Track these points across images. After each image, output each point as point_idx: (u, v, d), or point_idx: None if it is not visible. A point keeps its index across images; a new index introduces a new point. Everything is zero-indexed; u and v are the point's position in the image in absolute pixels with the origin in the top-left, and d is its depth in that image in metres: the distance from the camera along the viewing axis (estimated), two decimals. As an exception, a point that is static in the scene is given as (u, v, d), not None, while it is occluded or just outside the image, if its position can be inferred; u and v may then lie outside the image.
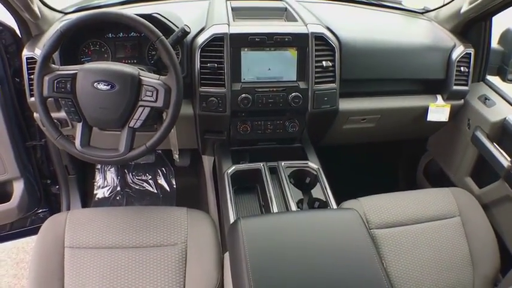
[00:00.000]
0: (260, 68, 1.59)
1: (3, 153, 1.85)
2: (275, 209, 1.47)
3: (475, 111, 1.90)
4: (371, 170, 2.33)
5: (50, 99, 1.37)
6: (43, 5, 1.69)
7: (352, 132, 1.87)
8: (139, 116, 1.33)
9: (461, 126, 2.00)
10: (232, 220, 1.42)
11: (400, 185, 2.46)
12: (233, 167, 1.62)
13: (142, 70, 1.42)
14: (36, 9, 1.58)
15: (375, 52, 1.75)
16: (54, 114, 1.65)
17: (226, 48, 1.54)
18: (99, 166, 2.34)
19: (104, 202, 2.28)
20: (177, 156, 1.62)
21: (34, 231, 2.14)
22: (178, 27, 1.57)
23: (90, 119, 1.34)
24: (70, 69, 1.32)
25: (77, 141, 1.36)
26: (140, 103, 1.31)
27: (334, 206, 1.52)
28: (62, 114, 1.67)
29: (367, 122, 1.86)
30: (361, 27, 1.85)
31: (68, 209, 2.14)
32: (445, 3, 2.01)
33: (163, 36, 1.30)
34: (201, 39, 1.55)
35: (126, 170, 2.37)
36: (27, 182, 1.94)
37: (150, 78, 1.33)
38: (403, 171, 2.46)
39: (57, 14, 1.77)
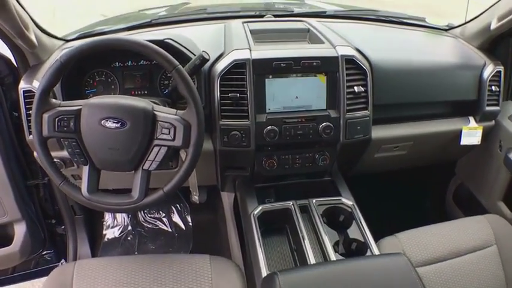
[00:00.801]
0: (286, 96, 1.36)
1: (2, 195, 1.61)
2: (310, 254, 1.27)
3: (506, 131, 1.70)
4: (397, 197, 2.10)
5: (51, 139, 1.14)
6: (41, 32, 1.46)
7: (383, 161, 1.65)
8: (155, 157, 1.11)
9: (492, 148, 1.79)
10: (264, 272, 1.20)
11: (428, 211, 2.23)
12: (259, 208, 1.38)
13: (156, 103, 1.20)
14: (32, 36, 1.35)
15: (406, 74, 1.54)
16: (56, 154, 1.42)
17: (249, 76, 1.31)
18: None
19: (115, 243, 2.02)
20: (196, 197, 1.38)
21: (38, 274, 1.91)
22: (194, 54, 1.35)
23: (98, 162, 1.12)
24: (73, 104, 1.11)
25: (84, 187, 1.13)
26: (155, 142, 1.10)
27: (374, 247, 1.32)
28: (66, 153, 1.43)
29: (400, 150, 1.64)
30: (388, 46, 1.64)
31: (75, 251, 1.89)
32: (468, 19, 1.82)
33: (180, 66, 1.08)
34: (220, 67, 1.33)
35: None
36: (29, 224, 1.70)
37: (166, 113, 1.10)
38: (431, 196, 2.23)
39: (57, 41, 1.54)
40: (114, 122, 1.07)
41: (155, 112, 1.10)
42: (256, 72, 1.32)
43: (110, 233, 2.03)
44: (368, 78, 1.41)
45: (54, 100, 1.11)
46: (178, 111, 1.11)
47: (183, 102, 1.45)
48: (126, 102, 1.09)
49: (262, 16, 1.73)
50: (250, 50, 1.34)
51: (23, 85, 1.37)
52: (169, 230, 2.04)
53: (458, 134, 1.69)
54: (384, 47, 1.60)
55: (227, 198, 1.64)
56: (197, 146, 1.10)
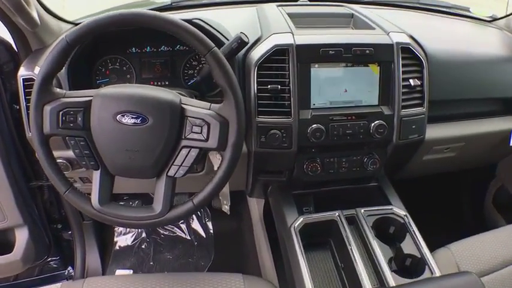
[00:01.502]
0: (334, 89, 1.11)
1: (1, 198, 1.36)
2: (363, 273, 1.05)
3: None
4: (431, 201, 1.86)
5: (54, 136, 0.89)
6: (46, 12, 1.20)
7: (431, 164, 1.40)
8: (183, 161, 0.87)
9: (539, 148, 1.55)
10: None
11: (465, 216, 1.99)
12: (301, 219, 1.14)
13: (183, 95, 0.95)
14: (34, 13, 1.09)
15: (462, 67, 1.30)
16: (61, 153, 1.17)
17: (292, 64, 1.06)
18: None
19: (127, 251, 1.75)
20: (227, 207, 1.14)
21: (43, 282, 1.66)
22: (226, 38, 1.10)
23: (112, 166, 0.87)
24: (82, 95, 0.86)
25: (94, 197, 0.89)
26: (184, 143, 0.86)
27: (433, 263, 1.09)
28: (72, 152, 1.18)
29: (450, 151, 1.39)
30: (440, 36, 1.39)
31: (83, 260, 1.62)
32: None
33: (216, 47, 0.84)
34: (257, 53, 1.07)
35: None
36: (32, 229, 1.44)
37: (197, 107, 0.86)
38: (468, 200, 1.99)
39: (65, 24, 1.28)
40: (133, 118, 0.83)
41: (184, 106, 0.85)
42: (301, 60, 1.07)
43: (122, 241, 1.76)
44: (424, 70, 1.17)
45: (58, 89, 0.86)
46: (212, 104, 0.87)
47: (212, 95, 1.20)
48: (148, 93, 0.85)
49: (296, 0, 1.48)
50: (293, 35, 1.09)
51: (23, 72, 1.12)
52: (188, 237, 1.77)
53: (507, 134, 1.45)
54: (436, 36, 1.35)
55: (256, 205, 1.39)
56: (236, 149, 0.86)
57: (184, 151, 0.86)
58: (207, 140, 0.85)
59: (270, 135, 1.08)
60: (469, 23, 1.61)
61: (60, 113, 0.84)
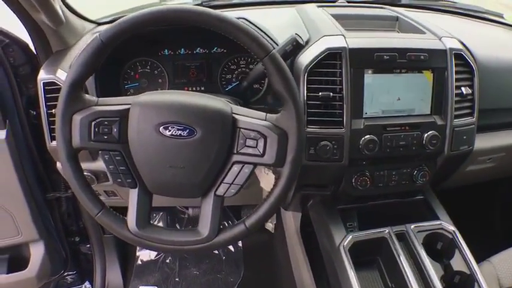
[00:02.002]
0: (387, 97, 1.01)
1: (15, 211, 1.22)
2: None
3: None
4: (463, 210, 1.77)
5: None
6: (68, 11, 1.07)
7: (473, 174, 1.31)
8: (234, 179, 0.75)
9: None
10: None
11: (497, 225, 1.89)
12: (349, 237, 1.03)
13: (231, 103, 0.83)
14: (58, 9, 0.97)
15: (509, 73, 1.21)
16: (86, 165, 1.04)
17: (346, 69, 0.95)
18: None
19: (150, 266, 1.60)
20: (271, 225, 1.02)
21: (58, 298, 1.51)
22: (273, 39, 0.99)
23: (152, 184, 0.75)
24: (117, 102, 0.73)
25: (131, 219, 0.76)
26: (236, 158, 0.74)
27: (482, 279, 1.01)
28: (99, 164, 1.05)
29: (491, 162, 1.30)
30: (485, 41, 1.30)
31: (104, 275, 1.48)
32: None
33: (275, 50, 0.72)
34: (307, 57, 0.96)
35: (178, 225, 1.67)
36: (48, 244, 1.31)
37: (251, 117, 0.74)
38: (501, 209, 1.90)
39: (87, 24, 1.15)
40: (178, 129, 0.70)
41: (236, 116, 0.73)
42: (354, 65, 0.96)
43: (145, 255, 1.61)
44: (475, 78, 1.08)
45: (89, 96, 0.73)
46: (268, 114, 0.75)
47: (254, 102, 1.09)
48: (195, 101, 0.72)
49: (334, 1, 1.37)
50: (345, 37, 0.98)
51: (43, 75, 0.99)
52: (216, 252, 1.64)
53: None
54: (483, 42, 1.26)
55: (292, 219, 1.26)
56: (296, 165, 0.75)
57: (236, 167, 0.74)
58: (263, 155, 0.73)
59: (320, 147, 0.96)
60: (502, 29, 1.53)
61: (93, 123, 0.71)
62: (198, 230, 0.77)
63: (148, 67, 1.08)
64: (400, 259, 1.01)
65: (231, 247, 1.65)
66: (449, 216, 1.16)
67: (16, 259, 1.30)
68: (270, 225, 1.06)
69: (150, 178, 0.74)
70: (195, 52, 1.09)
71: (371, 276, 1.07)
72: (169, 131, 0.70)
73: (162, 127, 0.70)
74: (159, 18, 0.70)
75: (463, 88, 1.05)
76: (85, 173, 1.04)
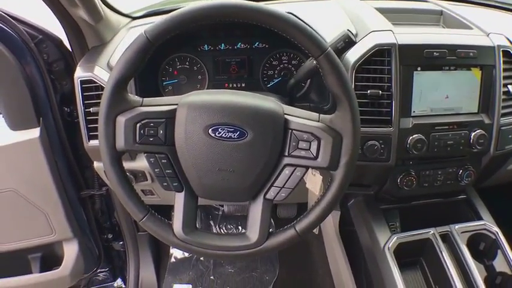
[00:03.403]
0: (436, 95, 0.97)
1: (49, 210, 1.18)
2: None
3: None
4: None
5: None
6: (104, 5, 1.03)
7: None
8: (285, 182, 0.70)
9: None
10: None
11: None
12: (394, 238, 0.99)
13: (281, 103, 0.79)
14: (98, 4, 0.93)
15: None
16: (126, 165, 1.00)
17: (395, 67, 0.91)
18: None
19: (185, 264, 1.56)
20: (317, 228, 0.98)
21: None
22: (320, 35, 0.94)
23: (200, 188, 0.71)
24: (163, 103, 0.69)
25: (177, 224, 0.72)
26: (287, 160, 0.70)
27: None
28: (138, 164, 1.02)
29: (530, 160, 1.26)
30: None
31: (137, 272, 1.44)
32: None
33: (330, 49, 0.67)
34: (355, 54, 0.92)
35: (212, 222, 1.63)
36: (81, 242, 1.28)
37: (304, 118, 0.70)
38: None
39: (122, 18, 1.11)
40: (229, 131, 0.66)
41: (288, 117, 0.69)
42: (404, 62, 0.92)
43: (179, 253, 1.57)
44: None
45: (133, 97, 0.69)
46: (322, 115, 0.71)
47: (300, 100, 1.04)
48: (246, 102, 0.68)
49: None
50: (394, 33, 0.94)
51: (80, 73, 0.95)
52: None
53: None
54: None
55: (331, 218, 1.23)
56: (350, 168, 0.70)
57: (287, 170, 0.70)
58: (316, 157, 0.69)
59: (368, 147, 0.92)
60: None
61: (138, 125, 0.67)
62: (247, 235, 0.73)
63: (187, 63, 1.04)
64: (444, 260, 0.98)
65: None
66: (492, 215, 1.12)
67: (49, 257, 1.27)
68: (315, 229, 1.02)
69: (197, 182, 0.70)
70: (236, 47, 1.04)
71: (414, 277, 1.04)
72: (219, 133, 0.66)
73: (211, 129, 0.66)
74: (209, 15, 0.65)
75: (509, 86, 1.01)
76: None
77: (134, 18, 1.14)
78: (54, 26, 1.08)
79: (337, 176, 0.71)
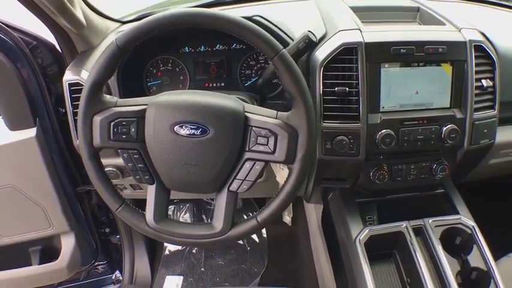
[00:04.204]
0: (405, 91, 0.99)
1: (47, 205, 1.26)
2: None
3: None
4: (495, 203, 1.71)
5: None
6: (92, 11, 1.10)
7: (496, 167, 1.27)
8: (247, 175, 0.76)
9: None
10: None
11: None
12: (366, 230, 1.02)
13: (245, 101, 0.84)
14: (79, 14, 0.99)
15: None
16: (110, 161, 1.07)
17: (362, 64, 0.94)
18: (170, 212, 1.70)
19: (177, 256, 1.63)
20: (289, 219, 1.03)
21: (89, 286, 1.56)
22: (289, 36, 0.98)
23: (169, 180, 0.77)
24: (135, 103, 0.76)
25: (149, 213, 0.78)
26: (248, 155, 0.75)
27: (498, 277, 0.98)
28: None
29: (516, 155, 1.27)
30: (508, 32, 1.25)
31: (132, 264, 1.52)
32: None
33: (284, 50, 0.72)
34: (323, 53, 0.95)
35: (204, 216, 1.70)
36: (79, 235, 1.36)
37: (262, 116, 0.75)
38: None
39: (111, 23, 1.18)
40: (192, 129, 0.72)
41: (248, 114, 0.74)
42: (370, 60, 0.95)
43: (172, 246, 1.64)
44: (496, 70, 1.04)
45: (108, 97, 0.76)
46: (279, 112, 0.75)
47: (272, 97, 1.09)
48: (208, 101, 0.74)
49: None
50: (361, 31, 0.97)
51: (69, 76, 1.02)
52: (241, 242, 1.65)
53: None
54: (505, 32, 1.21)
55: (313, 211, 1.26)
56: (306, 162, 0.75)
57: (248, 164, 0.75)
58: (273, 152, 0.73)
59: (336, 142, 0.96)
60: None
61: (112, 123, 0.73)
62: (213, 225, 0.79)
63: (169, 65, 1.10)
64: (415, 254, 0.99)
65: (255, 238, 1.66)
66: (471, 210, 1.13)
67: (48, 250, 1.35)
68: (287, 219, 1.06)
69: (166, 175, 0.76)
70: (214, 49, 1.10)
71: (388, 269, 1.06)
72: (184, 130, 0.72)
73: (176, 126, 0.72)
74: (171, 23, 0.71)
75: (483, 80, 1.02)
76: (110, 168, 1.09)
77: (124, 23, 1.21)
78: (48, 32, 1.16)
79: (294, 170, 0.75)
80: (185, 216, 1.67)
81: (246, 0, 1.23)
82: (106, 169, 1.10)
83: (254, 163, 0.75)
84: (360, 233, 1.02)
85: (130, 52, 0.92)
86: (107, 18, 1.17)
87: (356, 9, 1.10)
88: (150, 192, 0.78)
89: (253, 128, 0.74)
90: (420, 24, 1.16)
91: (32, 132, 1.17)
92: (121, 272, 1.59)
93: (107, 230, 1.50)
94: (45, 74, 1.19)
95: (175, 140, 0.72)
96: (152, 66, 1.10)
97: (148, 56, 1.09)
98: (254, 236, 1.66)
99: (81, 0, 1.05)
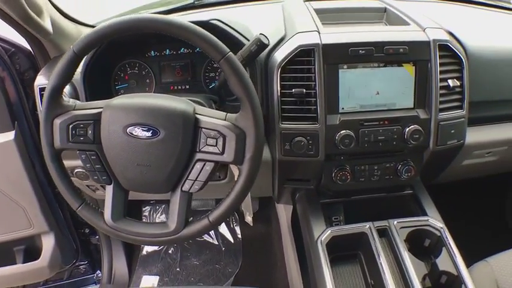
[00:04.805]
0: (364, 91, 0.98)
1: (27, 205, 1.30)
2: None
3: None
4: (468, 206, 1.68)
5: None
6: (64, 17, 1.13)
7: (470, 169, 1.25)
8: (198, 176, 0.77)
9: None
10: None
11: (508, 222, 1.79)
12: (328, 231, 1.02)
13: (199, 103, 0.86)
14: (45, 22, 1.02)
15: (504, 64, 1.14)
16: (79, 162, 1.09)
17: (319, 66, 0.94)
18: (146, 213, 1.73)
19: (154, 257, 1.66)
20: (250, 219, 1.03)
21: (71, 286, 1.60)
22: (247, 39, 0.99)
23: (125, 181, 0.79)
24: (91, 106, 0.78)
25: (107, 212, 0.81)
26: (198, 156, 0.76)
27: (469, 282, 0.95)
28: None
29: (491, 155, 1.23)
30: (481, 31, 1.22)
31: (110, 265, 1.55)
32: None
33: (231, 53, 0.73)
34: (280, 55, 0.96)
35: None
36: (59, 235, 1.39)
37: (211, 117, 0.76)
38: (509, 205, 1.79)
39: (85, 29, 1.21)
40: (143, 130, 0.74)
41: (198, 116, 0.75)
42: (328, 61, 0.94)
43: (149, 247, 1.67)
44: (464, 70, 1.02)
45: (68, 101, 0.79)
46: (228, 114, 0.76)
47: (232, 99, 1.10)
48: (158, 103, 0.75)
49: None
50: (319, 33, 0.97)
51: (40, 81, 1.06)
52: (216, 242, 1.66)
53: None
54: (477, 31, 1.19)
55: (284, 212, 1.26)
56: (254, 163, 0.76)
57: (198, 165, 0.76)
58: (222, 153, 0.75)
59: (295, 143, 0.96)
60: (510, 16, 1.43)
61: (70, 126, 0.76)
62: (167, 224, 0.80)
63: (136, 68, 1.12)
64: (378, 255, 0.98)
65: (230, 239, 1.67)
66: (447, 212, 1.11)
67: (31, 250, 1.39)
68: (248, 219, 1.06)
69: (122, 176, 0.78)
70: (179, 52, 1.11)
71: (352, 270, 1.05)
72: (136, 132, 0.74)
73: (129, 128, 0.74)
74: (123, 29, 0.73)
75: (449, 80, 1.01)
76: (79, 170, 1.12)
77: (96, 28, 1.23)
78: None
79: (243, 170, 0.76)
80: (161, 217, 1.69)
81: (217, 4, 1.25)
82: (75, 170, 1.14)
83: (204, 164, 0.76)
84: (322, 233, 1.01)
85: (100, 58, 0.96)
86: (80, 24, 1.20)
87: (321, 12, 1.10)
88: (108, 192, 0.81)
89: (203, 129, 0.75)
90: (386, 24, 1.15)
91: (10, 135, 1.21)
92: (102, 272, 1.62)
93: (87, 230, 1.53)
94: (23, 79, 1.23)
95: (129, 141, 0.74)
96: (120, 70, 1.12)
97: (116, 59, 1.11)
98: (229, 237, 1.67)
99: (52, 8, 1.08)
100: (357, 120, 0.97)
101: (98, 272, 1.63)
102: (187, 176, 0.77)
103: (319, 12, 1.10)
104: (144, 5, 1.49)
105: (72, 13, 1.18)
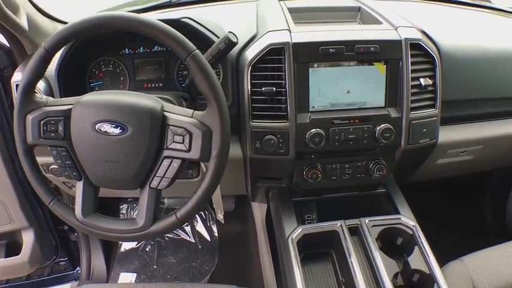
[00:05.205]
0: (335, 90, 0.98)
1: (7, 201, 1.31)
2: None
3: None
4: (447, 206, 1.68)
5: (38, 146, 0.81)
6: (41, 14, 1.13)
7: (445, 168, 1.25)
8: (165, 173, 0.77)
9: None
10: None
11: (486, 223, 1.79)
12: (299, 229, 1.02)
13: (169, 101, 0.87)
14: (21, 19, 1.01)
15: (480, 63, 1.14)
16: (50, 159, 1.10)
17: (289, 64, 0.94)
18: (124, 211, 1.73)
19: (131, 254, 1.66)
20: (221, 216, 1.03)
21: (52, 282, 1.61)
22: (218, 37, 0.99)
23: (94, 177, 0.79)
24: (62, 103, 0.78)
25: (77, 208, 0.81)
26: (166, 153, 0.77)
27: (442, 280, 0.94)
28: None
29: (466, 155, 1.24)
30: (456, 29, 1.23)
31: (89, 262, 1.56)
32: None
33: (197, 50, 0.73)
34: (251, 53, 0.96)
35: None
36: (38, 231, 1.39)
37: (179, 114, 0.76)
38: (489, 206, 1.80)
39: (60, 25, 1.20)
40: (112, 127, 0.74)
41: (165, 113, 0.76)
42: (298, 60, 0.94)
43: (127, 244, 1.68)
44: (437, 68, 1.02)
45: (40, 98, 0.79)
46: (195, 112, 0.77)
47: (203, 97, 1.10)
48: (126, 100, 0.76)
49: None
50: (290, 32, 0.97)
51: (16, 78, 1.05)
52: (193, 241, 1.67)
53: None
54: (451, 30, 1.19)
55: (258, 210, 1.27)
56: (220, 160, 0.76)
57: (166, 162, 0.76)
58: (189, 150, 0.75)
59: (265, 141, 0.96)
60: (489, 15, 1.43)
61: (41, 122, 0.77)
62: (136, 221, 0.81)
63: (111, 66, 1.12)
64: (349, 253, 0.98)
65: (207, 237, 1.67)
66: (420, 211, 1.11)
67: (13, 245, 1.40)
68: (220, 216, 1.06)
69: (91, 172, 0.78)
70: (153, 50, 1.11)
71: (324, 268, 1.05)
72: (104, 128, 0.74)
73: (98, 125, 0.74)
74: (92, 26, 0.73)
75: (422, 79, 1.01)
76: (54, 166, 1.12)
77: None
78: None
79: (209, 167, 0.77)
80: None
81: (194, 2, 1.25)
82: (51, 167, 1.14)
83: (171, 161, 0.76)
84: (293, 231, 1.01)
85: (74, 55, 0.96)
86: (57, 21, 1.19)
87: (293, 10, 1.10)
88: (78, 188, 0.81)
89: (170, 126, 0.75)
90: (360, 24, 1.14)
91: (-12, 132, 1.21)
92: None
93: (66, 227, 1.54)
94: (2, 75, 1.22)
95: (97, 137, 0.75)
96: (95, 67, 1.12)
97: (91, 57, 1.11)
98: (206, 235, 1.68)
99: (28, 5, 1.08)
100: (327, 119, 0.97)
101: (78, 268, 1.63)
102: (155, 173, 0.77)
103: (292, 11, 1.10)
104: (127, 2, 1.49)
105: (60, 11, 1.18)
